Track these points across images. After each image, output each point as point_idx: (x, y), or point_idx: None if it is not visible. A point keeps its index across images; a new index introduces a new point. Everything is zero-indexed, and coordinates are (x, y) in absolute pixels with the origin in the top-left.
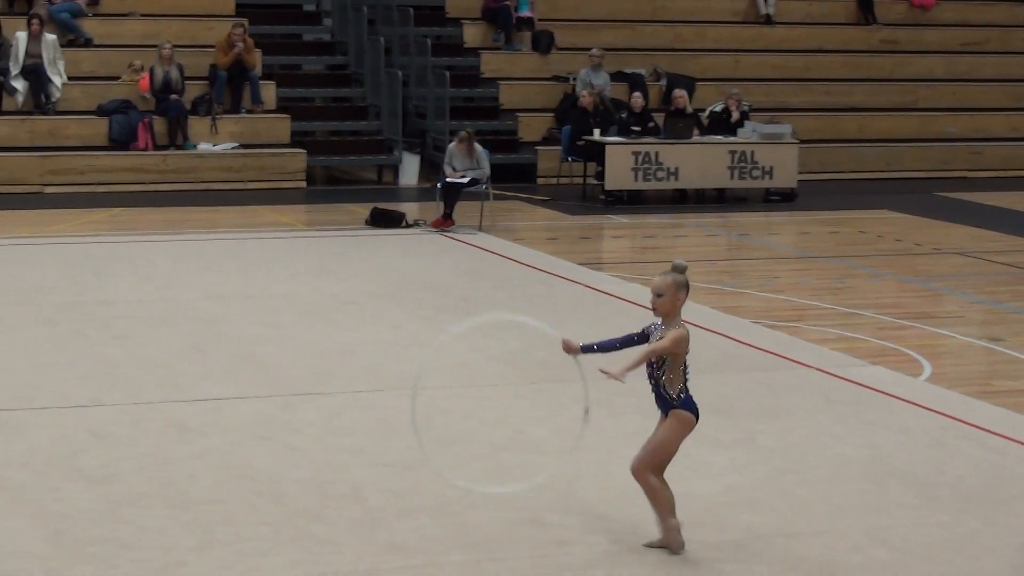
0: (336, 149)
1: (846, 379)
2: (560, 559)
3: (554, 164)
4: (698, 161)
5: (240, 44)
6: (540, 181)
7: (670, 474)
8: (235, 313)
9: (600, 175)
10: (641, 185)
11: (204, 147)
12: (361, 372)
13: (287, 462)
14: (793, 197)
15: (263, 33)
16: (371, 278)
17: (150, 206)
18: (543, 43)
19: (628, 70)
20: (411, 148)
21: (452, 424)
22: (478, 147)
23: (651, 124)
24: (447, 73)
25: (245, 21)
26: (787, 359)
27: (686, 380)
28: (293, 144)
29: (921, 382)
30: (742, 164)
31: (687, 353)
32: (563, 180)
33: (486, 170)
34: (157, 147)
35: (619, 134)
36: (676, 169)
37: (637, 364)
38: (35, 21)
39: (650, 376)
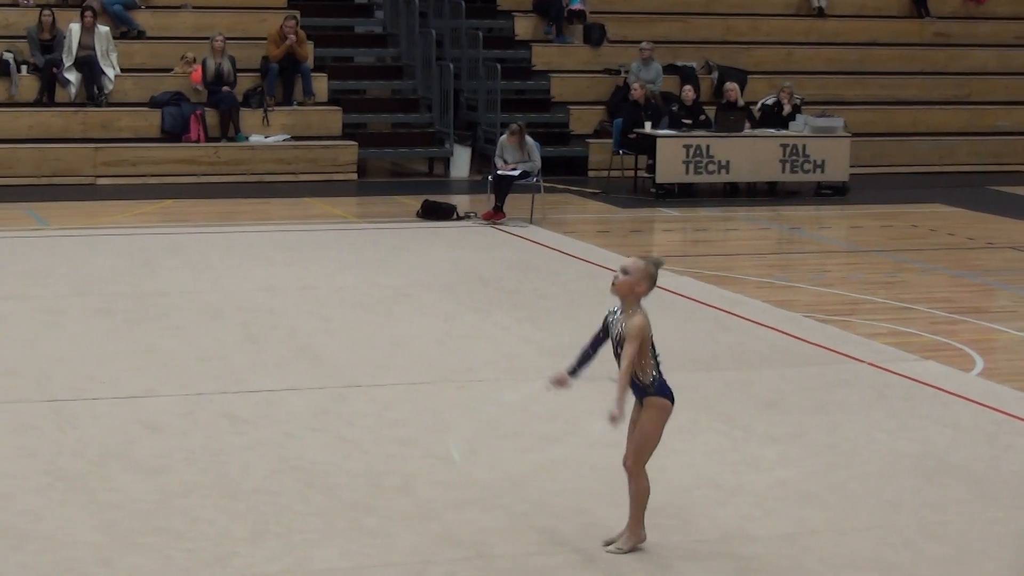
0: (387, 141)
1: (898, 374)
2: (608, 554)
3: (605, 157)
4: (749, 154)
5: (292, 36)
6: (591, 174)
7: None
8: (288, 305)
9: (651, 168)
10: (692, 178)
11: (256, 139)
12: (413, 364)
13: (339, 454)
14: (845, 191)
15: (315, 25)
16: (422, 270)
17: (202, 198)
18: (595, 36)
19: (680, 63)
20: (462, 141)
21: (504, 417)
22: (529, 140)
23: (702, 117)
24: (498, 66)
25: (297, 13)
26: (838, 353)
27: (658, 364)
28: (345, 136)
29: (973, 377)
30: (794, 157)
31: (651, 336)
32: (614, 173)
33: (537, 163)
34: (209, 139)
35: (670, 127)
36: (727, 162)
37: (624, 388)
38: (88, 13)
39: (617, 357)
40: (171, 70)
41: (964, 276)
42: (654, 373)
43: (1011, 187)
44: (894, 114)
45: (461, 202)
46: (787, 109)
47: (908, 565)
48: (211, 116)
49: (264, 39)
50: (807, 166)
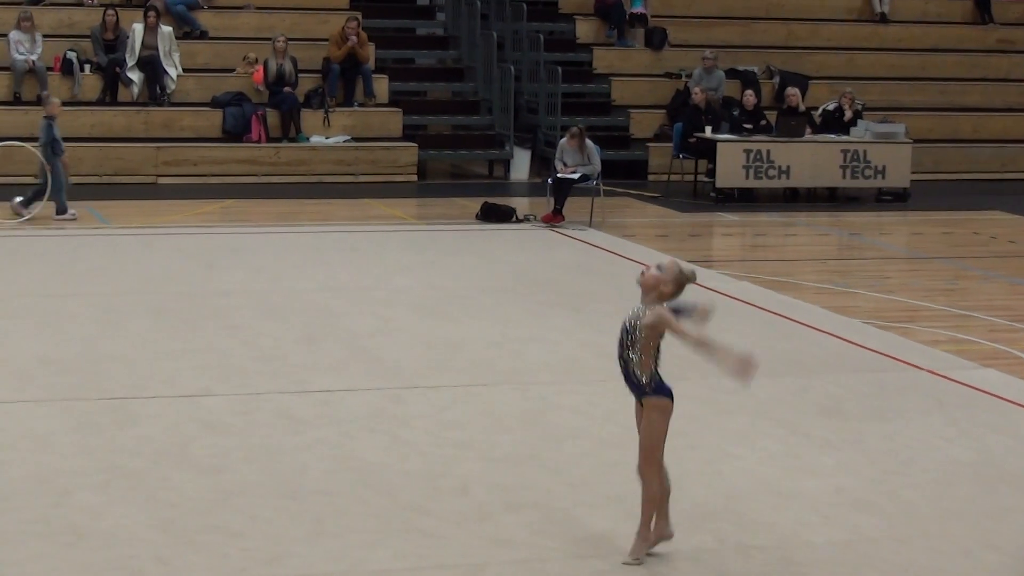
0: (448, 143)
1: (957, 381)
2: (662, 557)
3: (665, 161)
4: (810, 160)
5: (353, 38)
6: (651, 178)
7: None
8: (347, 305)
9: (711, 172)
10: (752, 183)
11: (316, 140)
12: (471, 366)
13: (396, 455)
14: (906, 197)
15: (376, 27)
16: (481, 272)
17: (262, 198)
18: (656, 39)
19: (741, 67)
20: (522, 143)
21: (560, 420)
22: (589, 143)
23: (763, 122)
24: (559, 68)
25: (359, 15)
26: (897, 360)
27: (657, 364)
28: (405, 138)
29: None
30: (854, 163)
31: (661, 337)
32: (674, 177)
33: (597, 166)
34: (270, 139)
35: (731, 132)
36: (788, 167)
37: (703, 343)
38: (151, 13)
39: (620, 356)
40: (233, 70)
41: None
42: (652, 371)
43: None
44: (956, 120)
45: (520, 205)
46: (848, 115)
47: (965, 574)
48: (272, 116)
49: (326, 40)
50: (868, 172)
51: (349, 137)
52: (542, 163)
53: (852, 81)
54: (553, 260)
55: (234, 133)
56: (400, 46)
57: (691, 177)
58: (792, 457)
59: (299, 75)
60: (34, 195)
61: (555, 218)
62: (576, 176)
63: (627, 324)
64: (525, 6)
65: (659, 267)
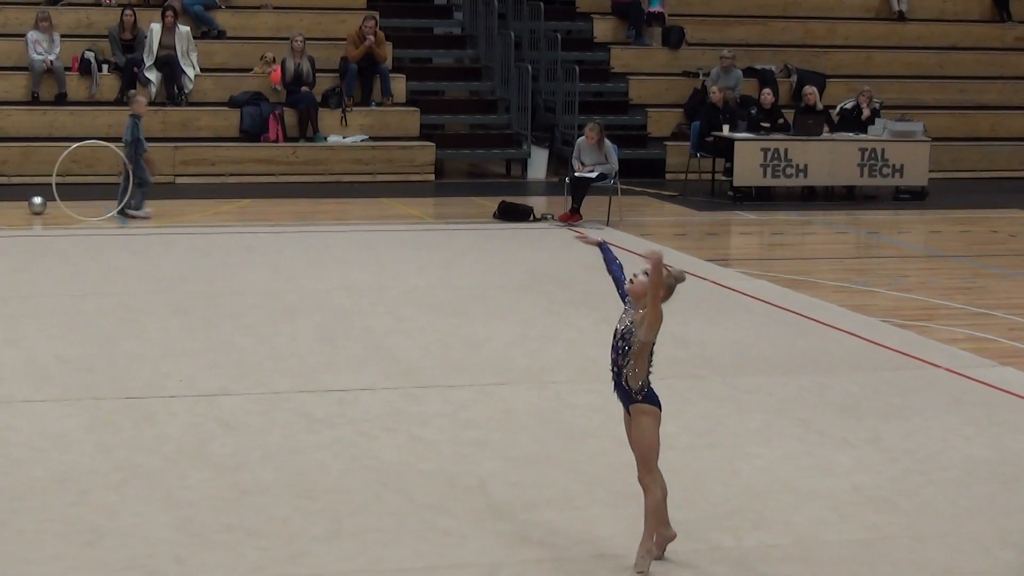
0: (465, 142)
1: (975, 380)
2: (682, 556)
3: (683, 159)
4: (828, 158)
5: (371, 37)
6: (668, 176)
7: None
8: (365, 305)
9: (729, 171)
10: (770, 181)
11: (334, 139)
12: (489, 365)
13: (414, 454)
14: (924, 195)
15: (394, 26)
16: (499, 271)
17: (280, 197)
18: (673, 38)
19: (758, 66)
20: (540, 142)
21: (579, 419)
22: (607, 142)
23: (781, 120)
24: (577, 68)
25: (376, 14)
26: (916, 359)
27: (650, 373)
28: (422, 137)
29: None
30: (872, 161)
31: (654, 343)
32: (691, 176)
33: (614, 165)
34: (287, 139)
35: (748, 130)
36: (805, 166)
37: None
38: (169, 13)
39: (613, 363)
40: (250, 70)
41: None
42: (644, 380)
43: None
44: (974, 119)
45: (538, 204)
46: (866, 113)
47: (984, 573)
48: (290, 116)
49: (343, 40)
50: (886, 170)
51: (367, 136)
52: (559, 162)
53: (870, 79)
54: (570, 259)
55: (252, 133)
56: (418, 45)
57: (709, 176)
58: (810, 455)
59: (317, 75)
60: (121, 195)
61: (573, 217)
62: (594, 175)
63: (621, 332)
64: (543, 5)
65: (645, 272)
